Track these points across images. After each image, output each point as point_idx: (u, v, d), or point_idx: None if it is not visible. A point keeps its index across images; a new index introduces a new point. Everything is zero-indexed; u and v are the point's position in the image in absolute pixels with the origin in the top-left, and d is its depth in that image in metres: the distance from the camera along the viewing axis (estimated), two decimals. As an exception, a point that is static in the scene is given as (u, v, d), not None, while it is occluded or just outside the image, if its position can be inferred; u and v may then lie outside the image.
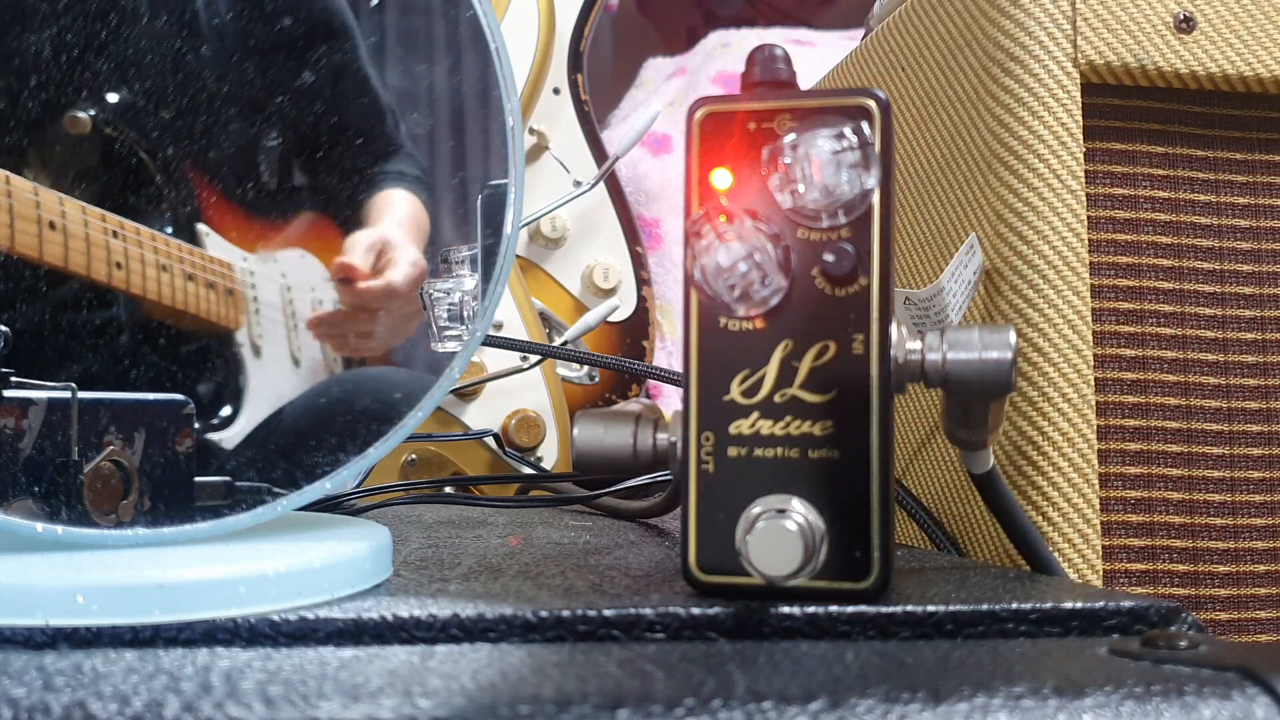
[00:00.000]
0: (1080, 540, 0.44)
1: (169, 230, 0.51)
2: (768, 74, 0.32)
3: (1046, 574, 0.40)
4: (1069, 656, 0.27)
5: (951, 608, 0.30)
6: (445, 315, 0.45)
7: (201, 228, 0.52)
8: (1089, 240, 0.46)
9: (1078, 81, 0.46)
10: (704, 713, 0.22)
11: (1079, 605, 0.31)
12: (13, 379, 0.37)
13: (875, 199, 0.30)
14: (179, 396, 0.41)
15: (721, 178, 0.31)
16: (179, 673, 0.24)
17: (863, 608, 0.30)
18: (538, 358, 0.86)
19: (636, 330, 1.05)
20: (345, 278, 0.53)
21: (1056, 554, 0.44)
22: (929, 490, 0.52)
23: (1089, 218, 0.46)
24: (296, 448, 0.51)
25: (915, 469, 0.54)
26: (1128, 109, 0.48)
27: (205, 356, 0.52)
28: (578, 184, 1.00)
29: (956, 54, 0.50)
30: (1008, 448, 0.45)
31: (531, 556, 0.41)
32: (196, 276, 0.51)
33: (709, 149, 0.31)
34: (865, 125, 0.30)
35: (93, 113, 0.48)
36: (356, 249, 0.53)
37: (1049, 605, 0.31)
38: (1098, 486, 0.45)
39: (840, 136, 0.30)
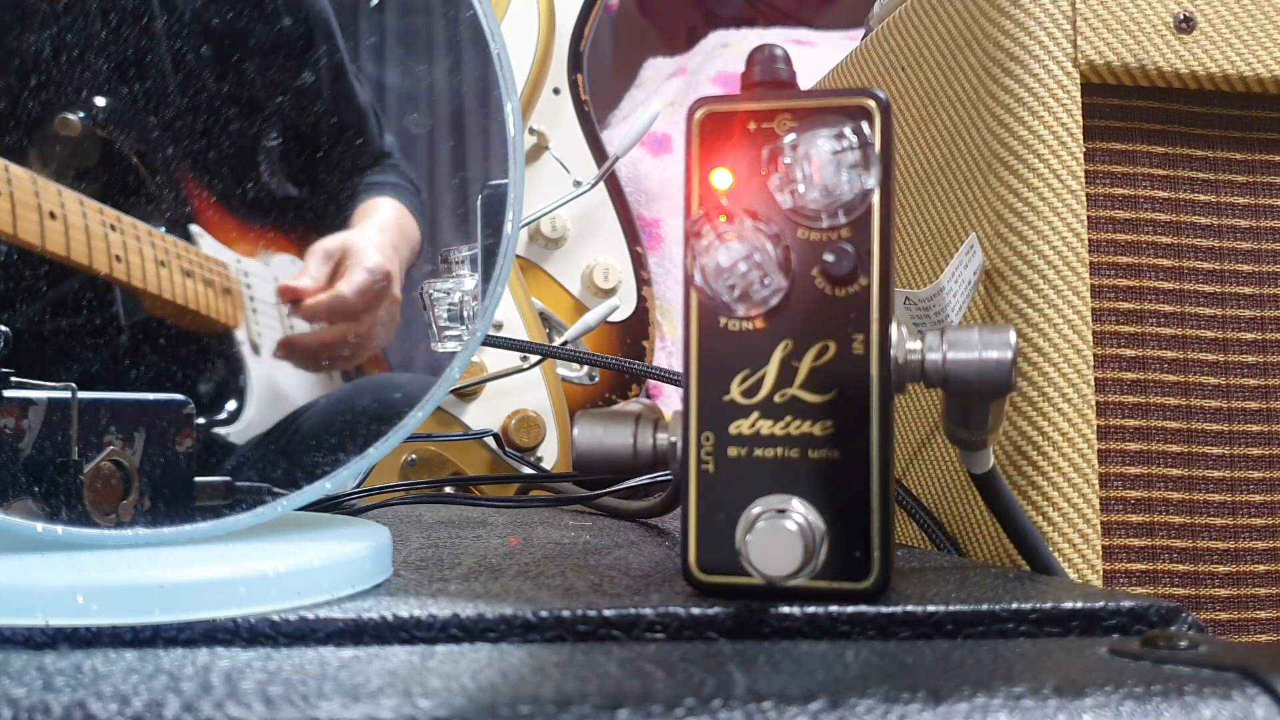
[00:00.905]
0: (1080, 540, 0.44)
1: (163, 229, 0.51)
2: (768, 74, 0.32)
3: (1046, 574, 0.40)
4: (1069, 656, 0.27)
5: (951, 608, 0.30)
6: (445, 315, 0.45)
7: (195, 229, 0.52)
8: (1089, 240, 0.46)
9: (1078, 81, 0.46)
10: (704, 713, 0.22)
11: (1079, 605, 0.31)
12: (13, 379, 0.37)
13: (875, 199, 0.30)
14: (179, 396, 0.41)
15: (721, 178, 0.31)
16: (179, 673, 0.24)
17: (863, 608, 0.30)
18: (538, 358, 0.86)
19: (636, 330, 1.05)
20: (292, 299, 0.52)
21: (1056, 554, 0.44)
22: (929, 490, 0.52)
23: (1089, 218, 0.46)
24: (296, 448, 0.51)
25: (915, 469, 0.54)
26: (1128, 109, 0.48)
27: (206, 355, 0.52)
28: (578, 184, 1.00)
29: (956, 54, 0.50)
30: (1008, 448, 0.45)
31: (531, 556, 0.41)
32: (194, 273, 0.51)
33: (709, 149, 0.31)
34: (865, 125, 0.30)
35: (83, 115, 0.48)
36: (313, 259, 0.53)
37: (1049, 605, 0.31)
38: (1098, 486, 0.45)
39: (840, 136, 0.30)
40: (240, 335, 0.53)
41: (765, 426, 0.31)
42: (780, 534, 0.29)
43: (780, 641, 0.29)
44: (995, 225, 0.46)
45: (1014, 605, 0.30)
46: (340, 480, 0.38)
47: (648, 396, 1.03)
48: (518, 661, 0.26)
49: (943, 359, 0.31)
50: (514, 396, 0.92)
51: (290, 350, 0.54)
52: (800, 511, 0.29)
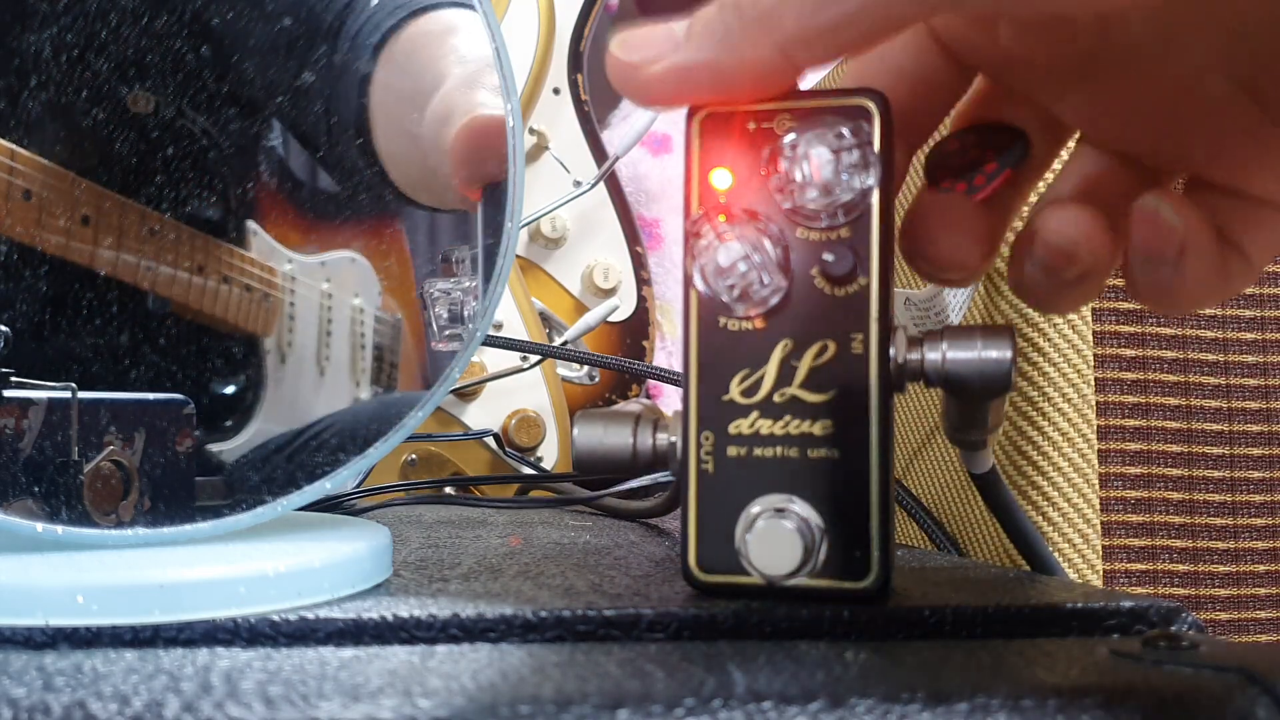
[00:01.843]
0: (1080, 540, 0.44)
1: (216, 219, 0.49)
2: None
3: (1046, 574, 0.40)
4: (1069, 656, 0.27)
5: (951, 608, 0.30)
6: (445, 315, 0.45)
7: (251, 225, 0.51)
8: (1089, 240, 0.46)
9: (1078, 81, 0.46)
10: (704, 713, 0.22)
11: (1079, 605, 0.31)
12: (13, 379, 0.37)
13: (875, 199, 0.30)
14: (179, 396, 0.41)
15: (721, 178, 0.31)
16: (179, 673, 0.24)
17: (863, 607, 0.30)
18: (538, 358, 0.86)
19: (636, 330, 1.05)
20: None
21: (1056, 554, 0.44)
22: (929, 490, 0.52)
23: (1089, 218, 0.46)
24: (297, 448, 0.51)
25: (915, 469, 0.54)
26: (1128, 109, 0.48)
27: (227, 363, 0.52)
28: (578, 184, 1.00)
29: (956, 54, 0.50)
30: (1008, 448, 0.45)
31: (531, 556, 0.41)
32: (233, 279, 0.50)
33: (709, 149, 0.31)
34: (865, 124, 0.30)
35: (153, 94, 0.47)
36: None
37: (1049, 605, 0.31)
38: (1098, 486, 0.45)
39: (840, 136, 0.30)
40: (269, 344, 0.52)
41: (765, 426, 0.31)
42: (779, 533, 0.29)
43: (780, 641, 0.29)
44: (995, 225, 0.46)
45: (1014, 605, 0.30)
46: (340, 480, 0.38)
47: (648, 396, 1.03)
48: (518, 661, 0.26)
49: (942, 359, 0.31)
50: (514, 396, 0.92)
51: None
52: (800, 511, 0.30)
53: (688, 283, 0.31)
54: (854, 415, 0.30)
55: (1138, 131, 0.32)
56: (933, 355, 0.31)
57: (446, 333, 0.45)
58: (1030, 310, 0.45)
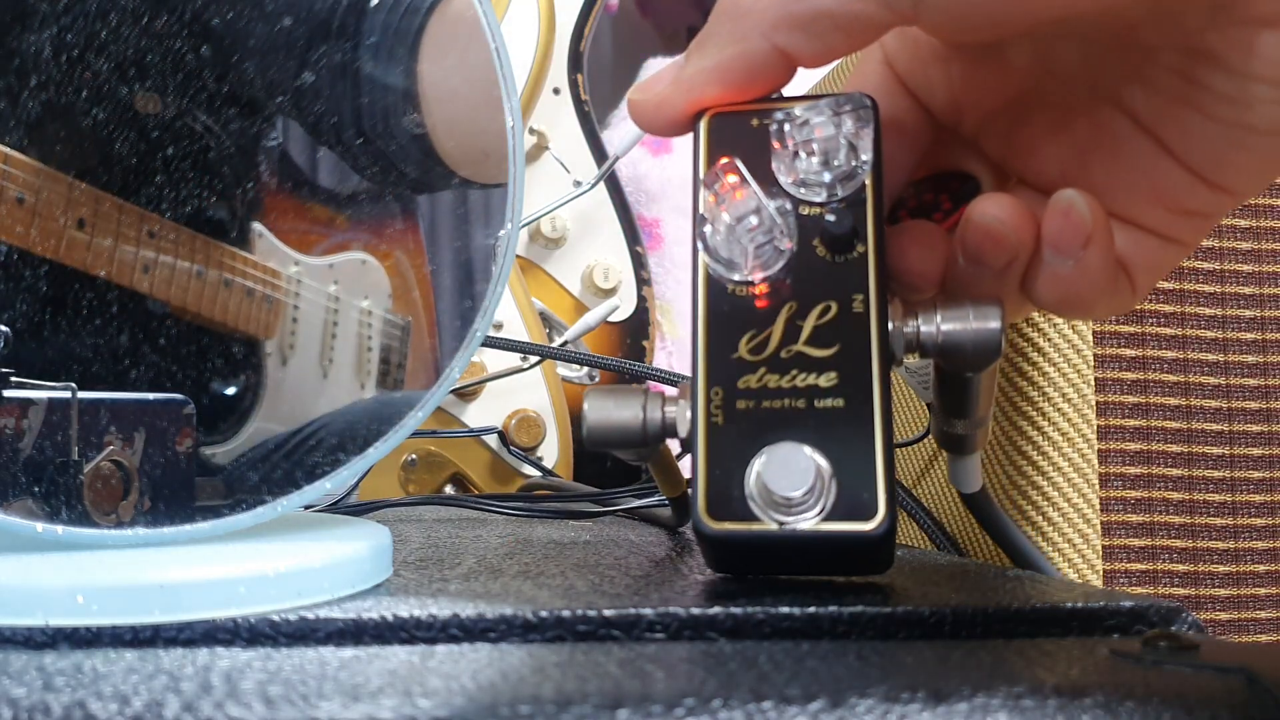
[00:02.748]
0: (1080, 540, 0.44)
1: (221, 220, 0.49)
2: None
3: (1046, 574, 0.40)
4: (1069, 656, 0.27)
5: (951, 608, 0.30)
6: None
7: (256, 227, 0.51)
8: (1089, 240, 0.46)
9: (1078, 81, 0.46)
10: (704, 713, 0.22)
11: (1079, 605, 0.31)
12: (13, 379, 0.37)
13: (868, 180, 0.32)
14: (179, 396, 0.41)
15: (728, 162, 0.33)
16: (179, 673, 0.24)
17: (862, 608, 0.30)
18: (538, 358, 0.86)
19: (636, 330, 1.05)
20: None
21: (1056, 554, 0.44)
22: (928, 490, 0.52)
23: (1089, 218, 0.46)
24: (296, 448, 0.51)
25: (918, 494, 0.54)
26: (1128, 109, 0.48)
27: (227, 364, 0.51)
28: (578, 184, 1.00)
29: (956, 54, 0.50)
30: (1007, 448, 0.45)
31: (531, 556, 0.41)
32: (234, 282, 0.49)
33: (715, 146, 0.34)
34: (861, 109, 0.32)
35: (158, 95, 0.47)
36: None
37: (1049, 605, 0.31)
38: (1098, 486, 0.45)
39: (838, 111, 0.32)
40: (270, 346, 0.52)
41: (772, 380, 0.32)
42: (792, 455, 0.30)
43: (780, 641, 0.29)
44: (995, 225, 0.46)
45: (1014, 605, 0.30)
46: (340, 480, 0.38)
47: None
48: (518, 661, 0.26)
49: (937, 329, 0.33)
50: (514, 396, 0.93)
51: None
52: (809, 454, 0.31)
53: (697, 244, 0.33)
54: (858, 367, 0.32)
55: (1055, 164, 0.35)
56: (927, 326, 0.33)
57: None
58: (1031, 313, 0.45)
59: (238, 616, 0.29)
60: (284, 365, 0.52)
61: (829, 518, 0.31)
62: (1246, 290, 0.48)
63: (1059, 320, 0.45)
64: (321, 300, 0.53)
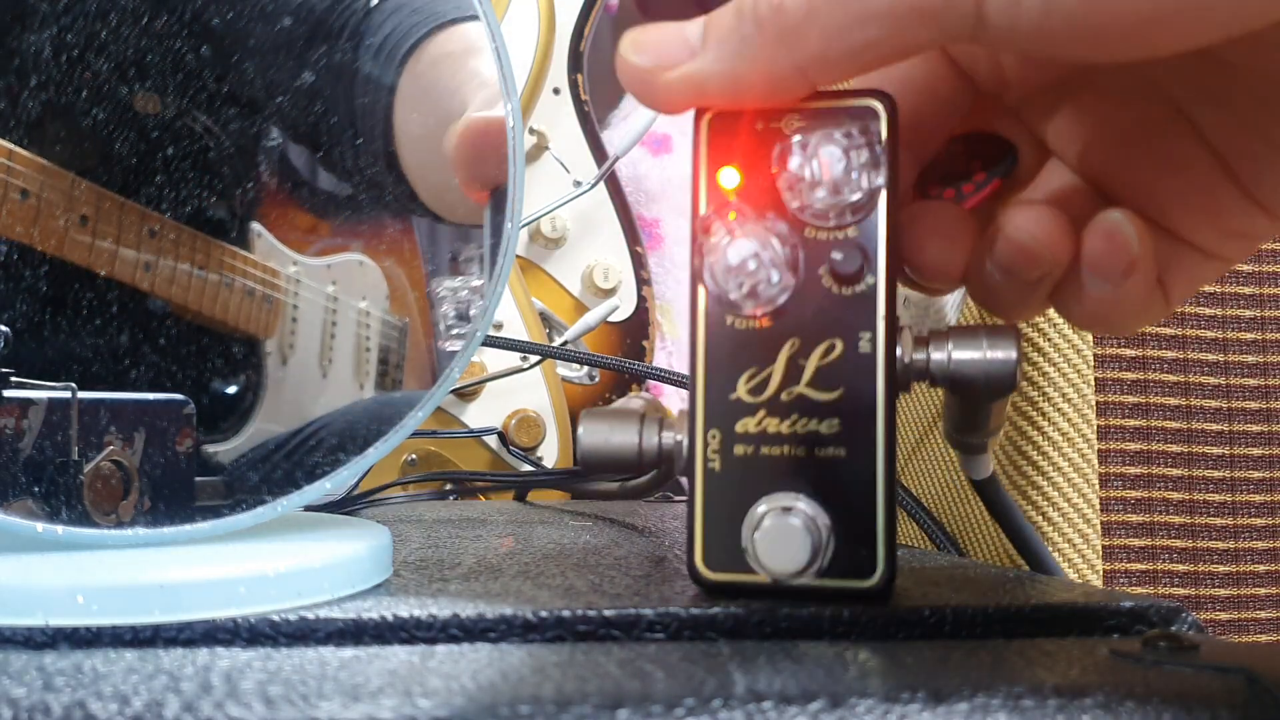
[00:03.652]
0: (1080, 540, 0.44)
1: (221, 220, 0.49)
2: None
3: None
4: (1069, 656, 0.27)
5: (951, 608, 0.30)
6: (452, 314, 0.45)
7: (255, 227, 0.51)
8: (1089, 240, 0.46)
9: (1078, 81, 0.46)
10: (704, 713, 0.22)
11: (1079, 605, 0.31)
12: (13, 379, 0.37)
13: (882, 200, 0.30)
14: (179, 396, 0.41)
15: (729, 177, 0.31)
16: (179, 673, 0.24)
17: (862, 608, 0.30)
18: (538, 358, 0.86)
19: (636, 330, 1.05)
20: None
21: (1056, 554, 0.44)
22: (927, 490, 0.52)
23: (1089, 218, 0.46)
24: (296, 448, 0.51)
25: (912, 467, 0.54)
26: (1128, 109, 0.48)
27: (227, 364, 0.51)
28: (578, 184, 1.00)
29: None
30: (1008, 448, 0.45)
31: (531, 556, 0.41)
32: (235, 282, 0.50)
33: (716, 149, 0.32)
34: (873, 125, 0.30)
35: (159, 96, 0.47)
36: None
37: (1049, 605, 0.31)
38: (1098, 486, 0.45)
39: (848, 136, 0.30)
40: (270, 345, 0.52)
41: (772, 425, 0.31)
42: (787, 531, 0.29)
43: (780, 641, 0.29)
44: (995, 225, 0.46)
45: (1014, 605, 0.30)
46: (340, 480, 0.38)
47: (647, 392, 1.03)
48: (518, 661, 0.26)
49: (948, 358, 0.31)
50: (514, 396, 0.93)
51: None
52: (806, 509, 0.30)
53: (695, 281, 0.31)
54: (861, 414, 0.30)
55: (1101, 156, 0.33)
56: (938, 355, 0.31)
57: (453, 332, 0.45)
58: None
59: (238, 616, 0.29)
60: (284, 365, 0.52)
61: (826, 574, 0.30)
62: (1246, 290, 0.48)
63: (1059, 320, 0.45)
64: (320, 300, 0.53)
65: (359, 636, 0.29)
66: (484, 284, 0.44)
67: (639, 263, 1.06)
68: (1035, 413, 0.45)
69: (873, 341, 0.30)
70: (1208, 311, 0.47)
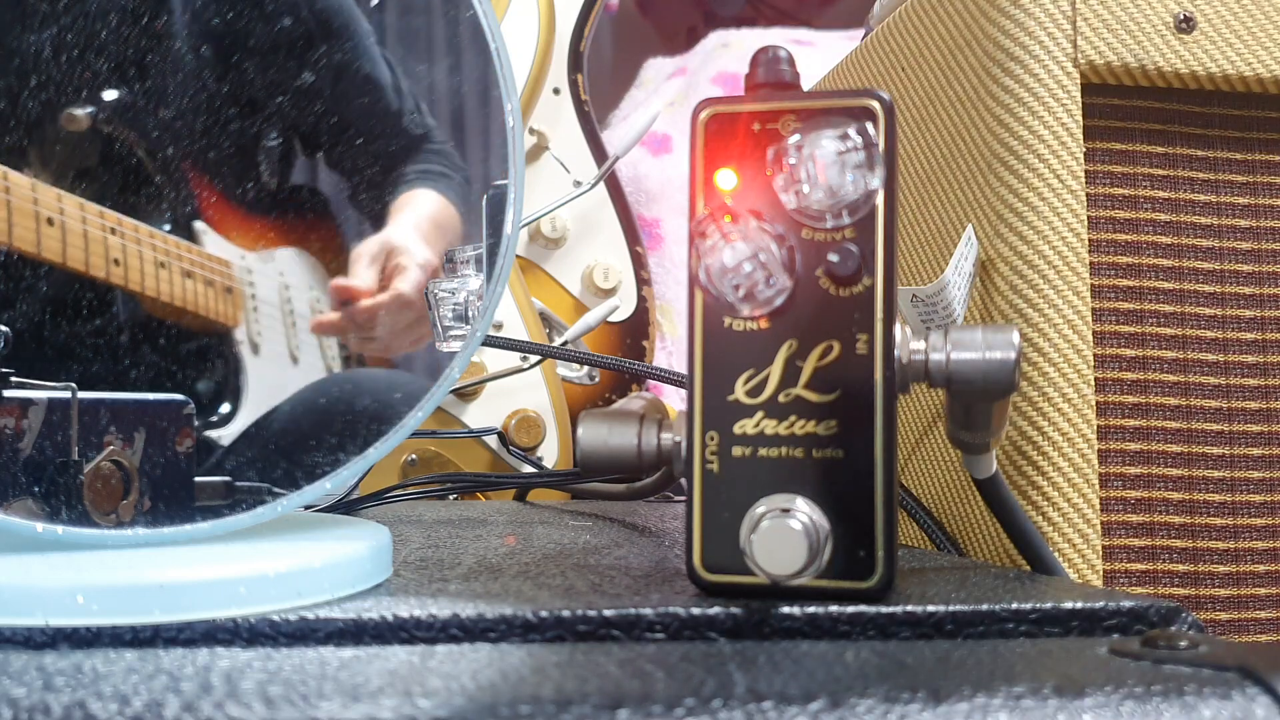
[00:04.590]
0: (1080, 540, 0.44)
1: (167, 228, 0.51)
2: (771, 75, 0.32)
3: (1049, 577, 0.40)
4: (1069, 656, 0.27)
5: (951, 608, 0.30)
6: (450, 315, 0.45)
7: (199, 225, 0.52)
8: (1089, 240, 0.46)
9: (1078, 81, 0.46)
10: (704, 713, 0.22)
11: (1079, 605, 0.31)
12: (13, 379, 0.37)
13: (879, 200, 0.30)
14: (179, 396, 0.41)
15: (726, 178, 0.31)
16: (179, 673, 0.24)
17: (863, 608, 0.30)
18: (538, 358, 0.86)
19: (636, 330, 1.05)
20: (345, 300, 0.51)
21: (1056, 554, 0.44)
22: (928, 489, 0.52)
23: (1089, 218, 0.46)
24: (296, 447, 0.51)
25: (912, 467, 0.54)
26: (1127, 109, 0.48)
27: (204, 354, 0.52)
28: (578, 184, 1.00)
29: (956, 54, 0.50)
30: (1008, 448, 0.45)
31: (531, 556, 0.41)
32: (195, 274, 0.50)
33: (713, 150, 0.32)
34: (870, 126, 0.30)
35: (90, 110, 0.48)
36: (360, 261, 0.51)
37: (1049, 605, 0.31)
38: (1098, 486, 0.45)
39: (845, 137, 0.30)
40: (239, 335, 0.53)
41: (770, 426, 0.31)
42: (785, 533, 0.29)
43: (780, 641, 0.29)
44: (995, 225, 0.46)
45: (1014, 605, 0.30)
46: (340, 480, 0.38)
47: (648, 392, 1.03)
48: (518, 661, 0.26)
49: (946, 359, 0.31)
50: (514, 396, 0.93)
51: (323, 329, 0.53)
52: (804, 511, 0.29)
53: (693, 283, 0.31)
54: (859, 415, 0.30)
55: None
56: (937, 356, 0.31)
57: (451, 332, 0.45)
58: (1030, 310, 0.45)
59: (238, 616, 0.29)
60: (256, 354, 0.52)
61: (824, 575, 0.30)
62: (1246, 290, 0.48)
63: (1059, 320, 0.45)
64: (275, 288, 0.53)
65: (359, 636, 0.29)
66: (481, 285, 0.44)
67: (639, 263, 1.06)
68: (1035, 413, 0.45)
69: (870, 343, 0.30)
70: (1208, 311, 0.47)
